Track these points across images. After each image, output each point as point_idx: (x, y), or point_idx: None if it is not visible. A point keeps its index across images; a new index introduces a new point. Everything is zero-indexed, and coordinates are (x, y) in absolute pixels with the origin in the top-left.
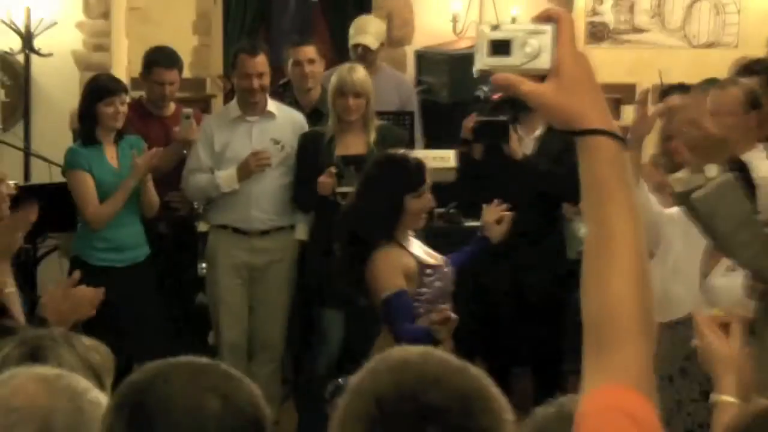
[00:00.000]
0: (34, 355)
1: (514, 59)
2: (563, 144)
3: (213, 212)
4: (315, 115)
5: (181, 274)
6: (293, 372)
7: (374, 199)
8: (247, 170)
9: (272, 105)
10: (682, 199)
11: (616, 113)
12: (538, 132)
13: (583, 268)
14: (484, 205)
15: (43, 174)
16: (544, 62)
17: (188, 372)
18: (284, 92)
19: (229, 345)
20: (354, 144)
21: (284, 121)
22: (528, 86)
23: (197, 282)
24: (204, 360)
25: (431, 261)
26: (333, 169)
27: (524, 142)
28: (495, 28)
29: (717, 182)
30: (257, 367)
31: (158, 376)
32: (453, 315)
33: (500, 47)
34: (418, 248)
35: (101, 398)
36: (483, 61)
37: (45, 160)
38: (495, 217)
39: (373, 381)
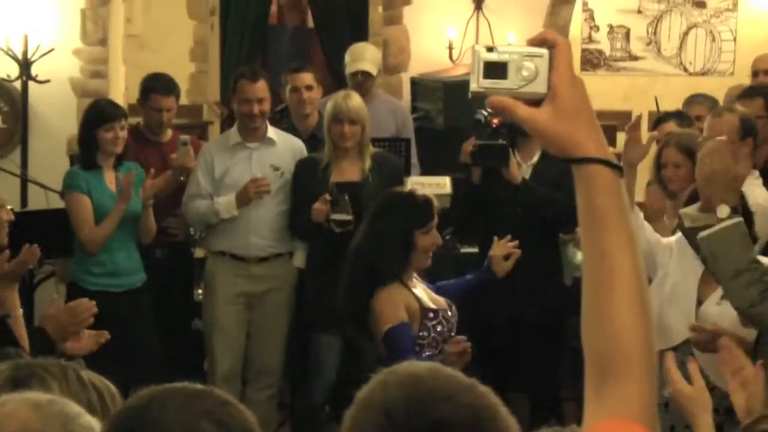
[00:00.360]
0: (18, 381)
1: (510, 82)
2: (560, 170)
3: (212, 238)
4: (312, 141)
5: (176, 300)
6: (290, 397)
7: (386, 235)
8: (246, 197)
9: (272, 131)
10: (689, 234)
11: (612, 140)
12: (535, 158)
13: (583, 298)
14: (495, 238)
15: (40, 200)
16: (540, 86)
17: (183, 397)
18: (281, 118)
19: (223, 371)
20: (349, 171)
21: (284, 148)
22: (524, 111)
23: (193, 308)
24: (199, 386)
25: (433, 305)
26: (327, 197)
27: (522, 168)
28: (490, 49)
29: (725, 225)
30: (254, 393)
31: (153, 402)
32: (469, 348)
33: (496, 69)
34: (421, 291)
35: (93, 423)
36: (478, 82)
37: (42, 186)
38: (504, 252)
39: (383, 393)
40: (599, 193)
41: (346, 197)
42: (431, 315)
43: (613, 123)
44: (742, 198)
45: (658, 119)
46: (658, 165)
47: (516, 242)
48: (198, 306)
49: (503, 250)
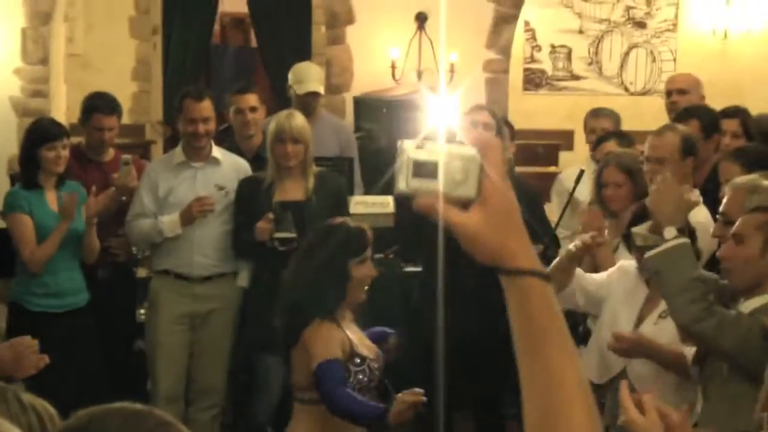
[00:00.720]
0: None
1: (440, 185)
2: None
3: (155, 257)
4: (257, 161)
5: (119, 320)
6: (233, 417)
7: (320, 267)
8: (190, 216)
9: (217, 151)
10: (640, 251)
11: (554, 159)
12: None
13: (528, 416)
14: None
15: None
16: (470, 189)
17: (122, 418)
18: (225, 138)
19: (166, 391)
20: (293, 190)
21: (229, 168)
22: (455, 216)
23: (135, 328)
24: (139, 406)
25: (363, 351)
26: (270, 215)
27: None
28: (419, 146)
29: (671, 245)
30: (197, 413)
31: (92, 422)
32: (421, 402)
33: (425, 168)
34: (353, 334)
35: None
36: (407, 182)
37: None
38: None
39: None
40: (537, 310)
41: (290, 215)
42: (357, 361)
43: (555, 142)
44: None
45: (599, 139)
46: (599, 185)
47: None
48: (141, 326)
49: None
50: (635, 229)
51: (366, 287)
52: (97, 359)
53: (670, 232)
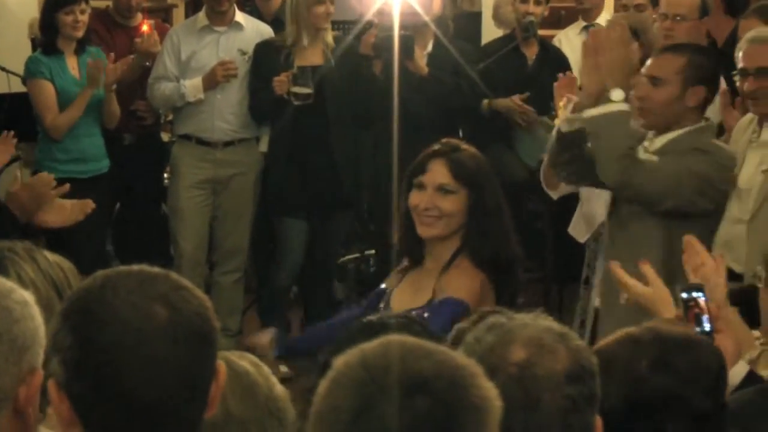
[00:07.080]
0: None
1: None
2: (454, 59)
3: (177, 122)
4: (276, 24)
5: (146, 185)
6: (256, 282)
7: None
8: (213, 80)
9: (240, 16)
10: (571, 139)
11: None
12: (429, 47)
13: None
14: None
15: (2, 84)
16: None
17: (137, 281)
18: (245, 1)
19: (187, 255)
20: (312, 54)
21: (252, 33)
22: None
23: (162, 192)
24: (155, 269)
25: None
26: (294, 70)
27: None
28: None
29: (615, 108)
30: (221, 277)
31: (107, 284)
32: None
33: None
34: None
35: (27, 297)
36: None
37: (3, 70)
38: None
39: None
40: None
41: (309, 72)
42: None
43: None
44: None
45: None
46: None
47: None
48: (166, 190)
49: None
50: (563, 117)
51: (421, 218)
52: (106, 225)
53: (617, 94)
